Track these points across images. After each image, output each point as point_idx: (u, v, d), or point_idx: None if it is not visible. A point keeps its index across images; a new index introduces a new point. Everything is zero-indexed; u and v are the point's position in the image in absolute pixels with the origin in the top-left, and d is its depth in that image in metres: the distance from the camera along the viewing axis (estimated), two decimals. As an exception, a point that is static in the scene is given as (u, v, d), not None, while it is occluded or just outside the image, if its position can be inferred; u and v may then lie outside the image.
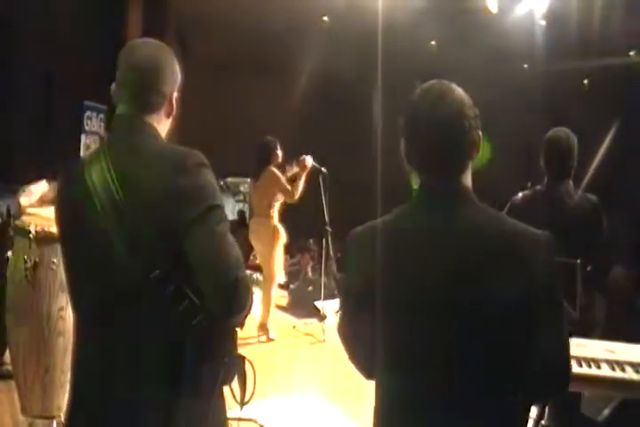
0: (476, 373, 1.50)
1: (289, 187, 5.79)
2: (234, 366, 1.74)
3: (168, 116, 1.83)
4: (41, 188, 3.62)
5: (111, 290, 1.67)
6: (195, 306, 1.62)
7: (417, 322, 1.53)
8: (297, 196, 5.82)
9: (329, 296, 6.53)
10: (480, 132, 1.61)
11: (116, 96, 1.81)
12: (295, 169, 5.90)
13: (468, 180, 1.61)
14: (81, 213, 1.72)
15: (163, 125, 1.84)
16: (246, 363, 1.78)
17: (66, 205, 1.83)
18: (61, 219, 1.84)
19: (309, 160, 5.90)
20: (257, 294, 6.10)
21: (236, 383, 1.80)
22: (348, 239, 1.69)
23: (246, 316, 1.72)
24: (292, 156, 6.16)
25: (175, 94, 1.83)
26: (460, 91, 1.61)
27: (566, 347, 1.56)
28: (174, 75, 1.82)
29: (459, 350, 1.50)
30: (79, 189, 1.71)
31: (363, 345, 1.66)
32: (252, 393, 1.82)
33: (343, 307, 1.74)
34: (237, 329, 1.78)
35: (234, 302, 1.60)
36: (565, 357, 1.55)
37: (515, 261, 1.48)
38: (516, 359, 1.49)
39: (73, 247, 1.81)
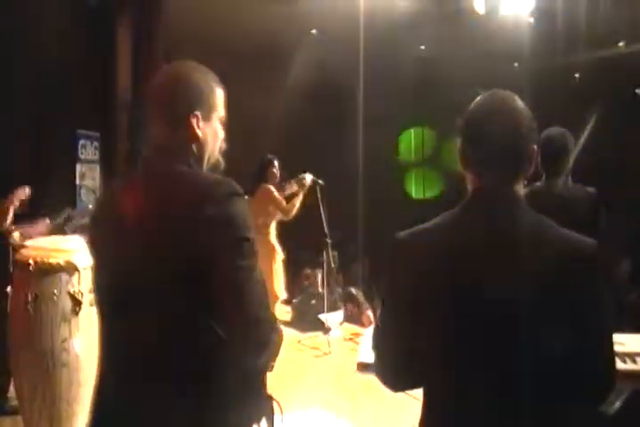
0: (531, 377, 1.49)
1: (283, 203, 5.79)
2: (261, 406, 1.70)
3: (191, 140, 1.73)
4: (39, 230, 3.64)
5: (136, 320, 1.64)
6: (221, 340, 1.57)
7: (469, 326, 1.52)
8: (292, 213, 5.83)
9: (332, 308, 6.51)
10: (536, 147, 1.61)
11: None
12: (295, 187, 5.91)
13: (520, 189, 1.61)
14: (111, 240, 1.70)
15: (201, 150, 1.76)
16: (274, 404, 1.75)
17: (97, 231, 1.81)
18: (93, 246, 1.82)
19: (309, 178, 5.90)
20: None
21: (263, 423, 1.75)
22: (393, 245, 1.64)
23: (275, 358, 1.66)
24: (288, 169, 6.17)
25: (196, 115, 1.72)
26: (520, 102, 1.62)
27: (612, 352, 1.56)
28: (192, 96, 1.73)
29: (513, 355, 1.49)
30: (110, 215, 1.70)
31: (402, 355, 1.62)
32: None
33: (384, 314, 1.67)
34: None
35: (253, 343, 1.55)
36: (612, 361, 1.56)
37: (567, 269, 1.48)
38: (567, 366, 1.48)
39: (103, 275, 1.78)
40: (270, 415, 1.74)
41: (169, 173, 1.68)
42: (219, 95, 1.79)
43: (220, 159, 1.86)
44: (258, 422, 1.71)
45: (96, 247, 1.80)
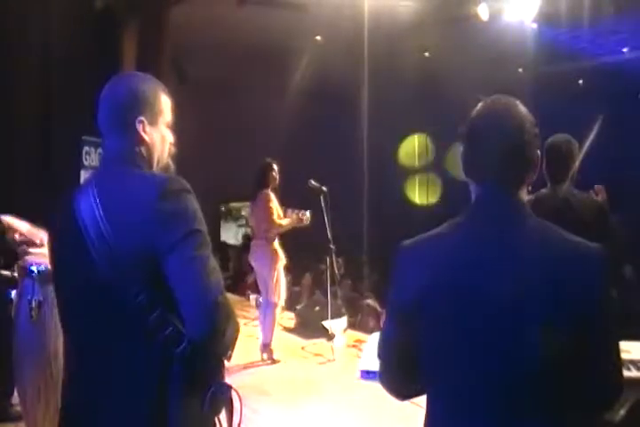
0: (535, 387, 1.48)
1: (274, 215, 5.87)
2: (220, 395, 1.71)
3: (138, 144, 1.81)
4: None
5: (97, 317, 1.69)
6: (179, 333, 1.62)
7: (473, 336, 1.51)
8: (276, 229, 5.92)
9: (336, 315, 6.51)
10: (539, 153, 1.61)
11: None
12: (294, 217, 6.00)
13: (524, 195, 1.61)
14: (69, 243, 1.75)
15: (150, 153, 1.84)
16: (233, 393, 1.75)
17: (56, 236, 1.87)
18: (52, 250, 1.88)
19: (308, 216, 6.03)
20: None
21: (223, 414, 1.77)
22: (397, 253, 1.64)
23: (233, 345, 1.71)
24: (293, 173, 6.21)
25: (141, 120, 1.80)
26: (522, 107, 1.62)
27: (619, 359, 1.56)
28: (138, 102, 1.81)
29: (518, 365, 1.48)
30: (68, 220, 1.74)
31: (406, 364, 1.62)
32: (239, 425, 1.80)
33: (389, 323, 1.68)
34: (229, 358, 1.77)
35: (211, 328, 1.60)
36: (619, 368, 1.56)
37: (573, 274, 1.48)
38: (573, 372, 1.48)
39: (63, 278, 1.84)
40: (229, 406, 1.76)
41: (119, 173, 1.77)
42: (164, 102, 1.88)
43: (170, 163, 1.95)
44: (217, 413, 1.73)
45: (56, 253, 1.87)
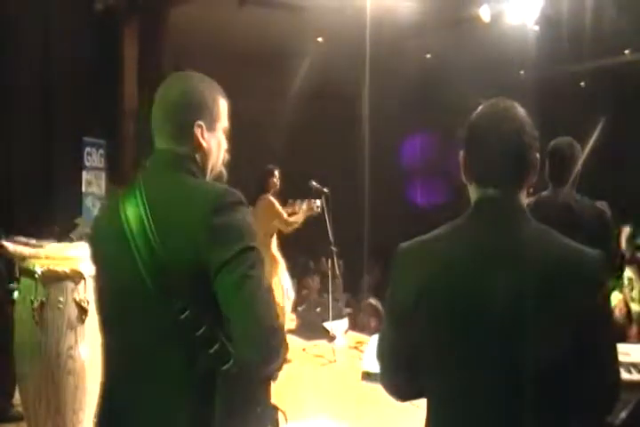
0: (534, 390, 1.48)
1: (285, 215, 5.85)
2: (266, 416, 1.68)
3: (195, 150, 1.72)
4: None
5: (140, 330, 1.63)
6: (226, 351, 1.55)
7: (472, 338, 1.51)
8: (292, 227, 5.93)
9: (337, 317, 6.50)
10: (538, 156, 1.61)
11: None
12: (304, 207, 5.96)
13: (523, 198, 1.61)
14: (114, 249, 1.68)
15: (205, 160, 1.76)
16: (279, 414, 1.74)
17: (100, 241, 1.80)
18: (95, 255, 1.81)
19: (318, 204, 5.97)
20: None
21: None
22: (396, 255, 1.63)
23: (280, 368, 1.64)
24: (294, 175, 6.21)
25: (200, 125, 1.71)
26: (522, 110, 1.62)
27: (617, 361, 1.56)
28: (196, 105, 1.72)
29: (516, 367, 1.48)
30: (113, 225, 1.68)
31: (406, 365, 1.62)
32: None
33: (387, 325, 1.66)
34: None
35: (264, 353, 1.52)
36: (617, 371, 1.56)
37: (571, 279, 1.48)
38: (572, 376, 1.48)
39: (105, 285, 1.77)
40: (275, 426, 1.73)
41: (172, 180, 1.68)
42: (222, 106, 1.79)
43: (223, 170, 1.86)
44: None
45: (99, 258, 1.79)
